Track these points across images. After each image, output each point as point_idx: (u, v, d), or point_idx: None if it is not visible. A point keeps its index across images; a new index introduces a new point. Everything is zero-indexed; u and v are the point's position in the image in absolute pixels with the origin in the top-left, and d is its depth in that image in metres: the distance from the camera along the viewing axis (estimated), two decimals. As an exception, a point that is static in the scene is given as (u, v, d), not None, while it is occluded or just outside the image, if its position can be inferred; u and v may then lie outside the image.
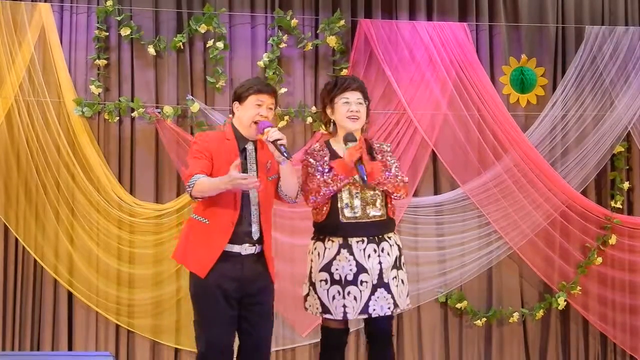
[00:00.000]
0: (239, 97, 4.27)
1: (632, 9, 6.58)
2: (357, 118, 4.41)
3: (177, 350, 5.96)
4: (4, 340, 5.79)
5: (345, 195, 4.35)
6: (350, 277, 4.32)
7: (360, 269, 4.32)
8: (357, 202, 4.34)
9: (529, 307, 6.38)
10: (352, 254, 4.34)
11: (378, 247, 4.37)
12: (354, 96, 4.43)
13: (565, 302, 6.34)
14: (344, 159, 4.31)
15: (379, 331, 4.45)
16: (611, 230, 6.38)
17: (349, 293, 4.32)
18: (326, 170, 4.38)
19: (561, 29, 6.50)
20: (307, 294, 4.50)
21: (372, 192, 4.35)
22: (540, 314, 6.34)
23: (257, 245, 4.22)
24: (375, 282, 4.32)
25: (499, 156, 6.27)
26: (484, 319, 6.28)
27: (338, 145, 4.46)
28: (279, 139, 4.14)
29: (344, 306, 4.32)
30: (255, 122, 4.22)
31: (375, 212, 4.36)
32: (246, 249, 4.19)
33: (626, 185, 6.49)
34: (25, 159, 5.80)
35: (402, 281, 4.43)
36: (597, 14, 6.56)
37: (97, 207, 5.83)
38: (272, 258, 4.31)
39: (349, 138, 4.34)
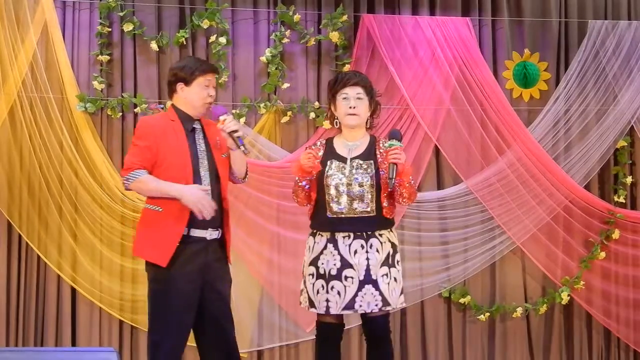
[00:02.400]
0: (183, 79, 4.23)
1: (636, 3, 6.57)
2: (356, 114, 4.42)
3: (180, 346, 5.97)
4: (8, 336, 5.80)
5: (332, 190, 4.36)
6: (334, 272, 4.33)
7: (345, 264, 4.33)
8: (344, 198, 4.35)
9: (533, 302, 6.38)
10: (337, 248, 4.35)
11: (366, 243, 4.35)
12: (353, 91, 4.44)
13: (569, 297, 6.34)
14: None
15: (373, 330, 4.43)
16: (614, 224, 6.37)
17: (332, 288, 4.33)
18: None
19: (564, 24, 6.49)
20: (302, 289, 4.51)
21: (359, 188, 4.35)
22: (543, 309, 6.34)
23: (219, 229, 4.21)
24: (362, 278, 4.31)
25: (502, 151, 6.27)
26: (488, 314, 6.28)
27: (340, 142, 4.48)
28: (235, 131, 4.16)
29: (327, 300, 4.33)
30: (209, 104, 4.24)
31: (362, 207, 4.35)
32: (211, 234, 4.17)
33: (629, 179, 6.48)
34: (28, 155, 5.80)
35: (395, 279, 4.39)
36: (600, 8, 6.55)
37: (100, 203, 5.83)
38: (230, 241, 4.29)
39: (394, 135, 4.37)
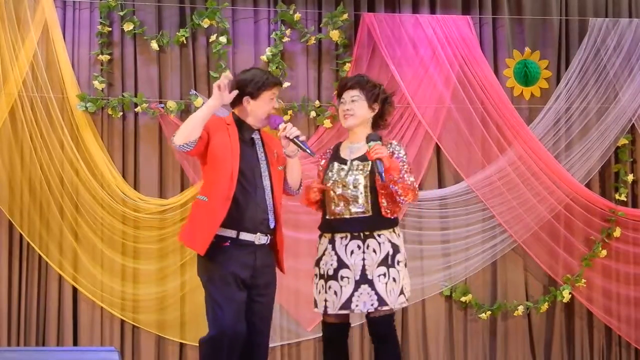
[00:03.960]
0: (249, 93, 4.23)
1: (636, 0, 6.56)
2: (350, 115, 4.45)
3: (182, 345, 5.97)
4: (10, 336, 5.80)
5: (331, 192, 4.38)
6: (330, 272, 4.35)
7: (342, 264, 4.34)
8: (339, 199, 4.36)
9: (534, 300, 6.38)
10: (334, 249, 4.37)
11: (363, 243, 4.35)
12: (348, 95, 4.47)
13: (570, 295, 6.33)
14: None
15: (375, 330, 4.43)
16: (615, 222, 6.37)
17: (329, 287, 4.35)
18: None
19: (565, 22, 6.48)
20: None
21: (353, 189, 4.35)
22: (544, 307, 6.34)
23: (269, 235, 4.24)
24: (357, 278, 4.32)
25: (503, 149, 6.27)
26: (489, 313, 6.28)
27: (345, 145, 4.52)
28: (298, 135, 4.21)
29: (325, 300, 4.36)
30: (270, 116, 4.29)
31: (357, 208, 4.35)
32: (259, 239, 4.20)
33: (630, 177, 6.48)
34: (29, 155, 5.80)
35: (394, 279, 4.36)
36: (600, 6, 6.54)
37: (101, 203, 5.83)
38: (283, 249, 4.34)
39: (371, 137, 4.36)
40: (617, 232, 6.37)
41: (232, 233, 4.16)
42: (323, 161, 4.55)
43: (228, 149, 4.18)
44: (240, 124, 4.27)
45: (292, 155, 4.30)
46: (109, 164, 5.84)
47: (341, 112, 4.49)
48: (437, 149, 6.30)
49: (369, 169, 4.37)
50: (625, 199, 6.47)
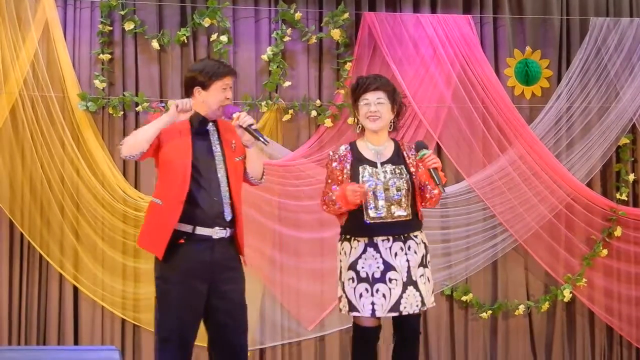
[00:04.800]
0: (200, 84, 4.22)
1: (637, 0, 6.56)
2: (377, 117, 4.44)
3: (182, 344, 5.97)
4: (10, 335, 5.80)
5: (370, 196, 4.35)
6: (377, 275, 4.34)
7: (388, 266, 4.34)
8: (381, 203, 4.35)
9: (535, 299, 6.38)
10: (378, 252, 4.35)
11: (404, 245, 4.39)
12: (373, 96, 4.45)
13: (571, 295, 6.33)
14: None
15: (410, 330, 4.47)
16: (616, 222, 6.37)
17: (377, 290, 4.33)
18: (344, 177, 4.42)
19: (566, 21, 6.48)
20: (340, 295, 4.48)
21: (396, 192, 4.36)
22: (545, 306, 6.33)
23: (228, 228, 4.20)
24: (404, 280, 4.35)
25: (504, 149, 6.27)
26: (490, 312, 6.28)
27: (365, 147, 4.49)
28: (251, 124, 4.17)
29: (373, 303, 4.33)
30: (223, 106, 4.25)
31: (400, 212, 4.37)
32: (217, 233, 4.17)
33: (631, 177, 6.48)
34: (30, 154, 5.80)
35: (428, 279, 4.47)
36: (601, 5, 6.54)
37: (102, 202, 5.83)
38: (243, 241, 4.29)
39: (422, 145, 4.40)
40: (618, 232, 6.36)
41: (188, 228, 4.13)
42: (348, 165, 4.44)
43: (179, 150, 4.16)
44: (194, 116, 4.25)
45: (249, 145, 4.25)
46: (109, 162, 5.85)
47: (365, 113, 4.45)
48: (438, 148, 6.30)
49: (406, 172, 4.42)
50: (626, 199, 6.47)
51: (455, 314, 6.33)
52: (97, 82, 5.89)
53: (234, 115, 4.19)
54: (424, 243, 4.48)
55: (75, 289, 5.87)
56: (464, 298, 6.26)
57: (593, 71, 6.35)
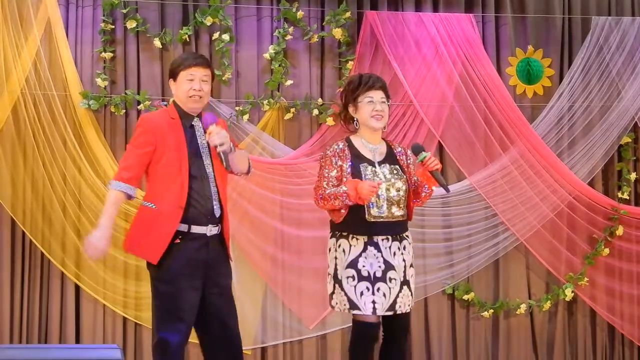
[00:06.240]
0: (172, 74, 4.23)
1: (639, -1, 6.58)
2: (382, 117, 4.44)
3: (184, 343, 5.97)
4: (12, 334, 5.80)
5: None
6: (379, 274, 4.34)
7: (388, 266, 4.35)
8: (383, 202, 4.35)
9: (536, 298, 6.38)
10: (379, 251, 4.36)
11: (400, 245, 4.41)
12: (377, 95, 4.45)
13: (573, 294, 6.33)
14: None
15: (402, 329, 4.48)
16: (618, 221, 6.36)
17: (378, 289, 4.33)
18: (346, 174, 4.39)
19: (567, 20, 6.48)
20: (333, 292, 4.45)
21: (396, 193, 4.37)
22: (547, 305, 6.33)
23: (219, 224, 4.19)
24: (402, 279, 4.37)
25: (506, 148, 6.26)
26: (491, 311, 6.28)
27: (361, 144, 4.47)
28: (219, 145, 4.07)
29: (374, 302, 4.32)
30: (198, 97, 4.17)
31: (399, 212, 4.39)
32: (211, 230, 4.15)
33: (633, 176, 6.47)
34: (32, 153, 5.80)
35: (413, 277, 4.51)
36: (603, 4, 6.54)
37: (103, 200, 5.80)
38: (229, 237, 4.27)
39: (420, 148, 4.40)
40: (620, 231, 6.36)
41: (183, 227, 4.11)
42: (348, 162, 4.40)
43: (177, 153, 4.11)
44: (181, 112, 4.21)
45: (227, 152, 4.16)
46: (111, 161, 5.84)
47: (370, 112, 4.42)
48: (440, 147, 6.30)
49: (403, 173, 4.43)
50: (628, 197, 6.46)
51: (456, 312, 6.33)
52: (99, 81, 5.89)
53: (208, 130, 4.12)
54: (411, 243, 4.50)
55: (77, 288, 5.88)
56: (465, 297, 6.25)
57: (595, 70, 6.35)
